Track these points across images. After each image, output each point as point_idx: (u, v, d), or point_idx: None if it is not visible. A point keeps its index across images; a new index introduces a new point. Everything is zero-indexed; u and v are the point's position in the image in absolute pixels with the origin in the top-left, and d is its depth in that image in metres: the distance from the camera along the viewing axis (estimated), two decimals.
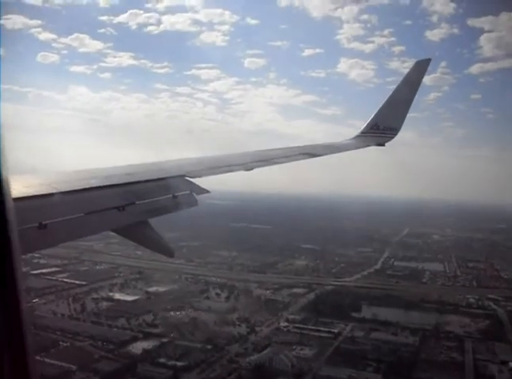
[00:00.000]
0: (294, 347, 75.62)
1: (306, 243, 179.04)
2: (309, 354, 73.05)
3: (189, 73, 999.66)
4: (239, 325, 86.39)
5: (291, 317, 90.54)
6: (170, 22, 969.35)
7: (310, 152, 11.81)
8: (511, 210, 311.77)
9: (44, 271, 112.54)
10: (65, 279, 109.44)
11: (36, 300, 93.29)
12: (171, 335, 79.89)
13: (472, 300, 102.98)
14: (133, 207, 6.63)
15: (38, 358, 67.67)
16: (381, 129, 15.06)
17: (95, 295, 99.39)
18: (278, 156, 10.86)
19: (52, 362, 66.89)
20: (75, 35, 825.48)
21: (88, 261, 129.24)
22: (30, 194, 5.44)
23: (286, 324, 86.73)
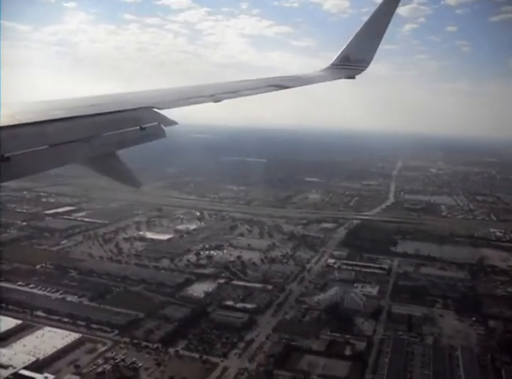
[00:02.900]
0: (355, 284, 74.20)
1: (309, 176, 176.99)
2: (373, 292, 71.82)
3: (158, 2, 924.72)
4: (287, 263, 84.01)
5: (335, 253, 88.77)
6: None
7: (279, 84, 11.58)
8: (496, 144, 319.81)
9: (59, 210, 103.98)
10: (85, 219, 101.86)
11: (65, 242, 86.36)
12: (224, 275, 76.48)
13: (499, 234, 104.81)
14: (100, 139, 6.30)
15: (96, 304, 63.00)
16: (351, 62, 14.79)
17: (124, 235, 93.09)
18: (247, 88, 10.69)
19: (114, 309, 61.82)
20: None
21: (99, 199, 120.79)
22: None
23: (333, 260, 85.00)
